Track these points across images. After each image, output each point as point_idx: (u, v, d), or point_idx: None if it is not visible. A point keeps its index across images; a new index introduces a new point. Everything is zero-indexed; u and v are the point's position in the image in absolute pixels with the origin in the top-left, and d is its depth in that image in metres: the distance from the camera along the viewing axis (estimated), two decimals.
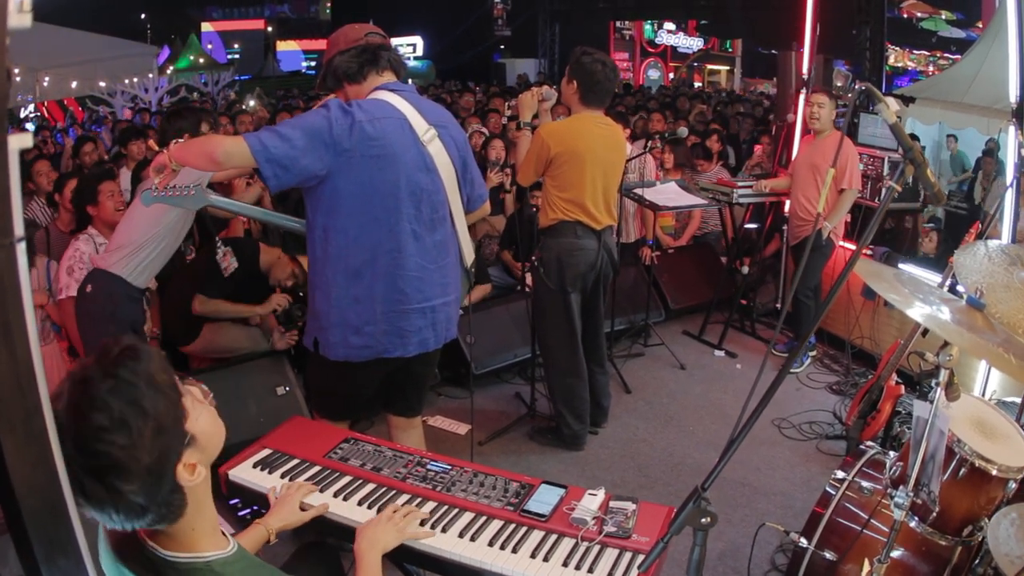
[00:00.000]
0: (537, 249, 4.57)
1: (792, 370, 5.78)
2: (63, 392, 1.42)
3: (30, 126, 17.28)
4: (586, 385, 4.69)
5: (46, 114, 20.04)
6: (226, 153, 2.76)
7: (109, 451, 1.38)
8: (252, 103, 16.65)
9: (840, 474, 3.11)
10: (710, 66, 29.23)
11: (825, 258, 5.81)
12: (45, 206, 5.95)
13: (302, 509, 2.30)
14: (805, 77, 6.97)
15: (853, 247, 5.79)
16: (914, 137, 7.54)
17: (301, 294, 4.70)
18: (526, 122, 4.49)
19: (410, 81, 3.20)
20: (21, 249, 1.32)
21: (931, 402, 2.38)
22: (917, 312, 2.28)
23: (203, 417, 1.56)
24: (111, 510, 1.43)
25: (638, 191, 5.99)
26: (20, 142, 1.28)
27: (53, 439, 1.36)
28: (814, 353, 6.17)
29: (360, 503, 2.38)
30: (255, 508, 3.64)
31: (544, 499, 2.39)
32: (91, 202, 4.41)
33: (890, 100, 1.92)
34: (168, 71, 26.78)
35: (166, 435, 1.45)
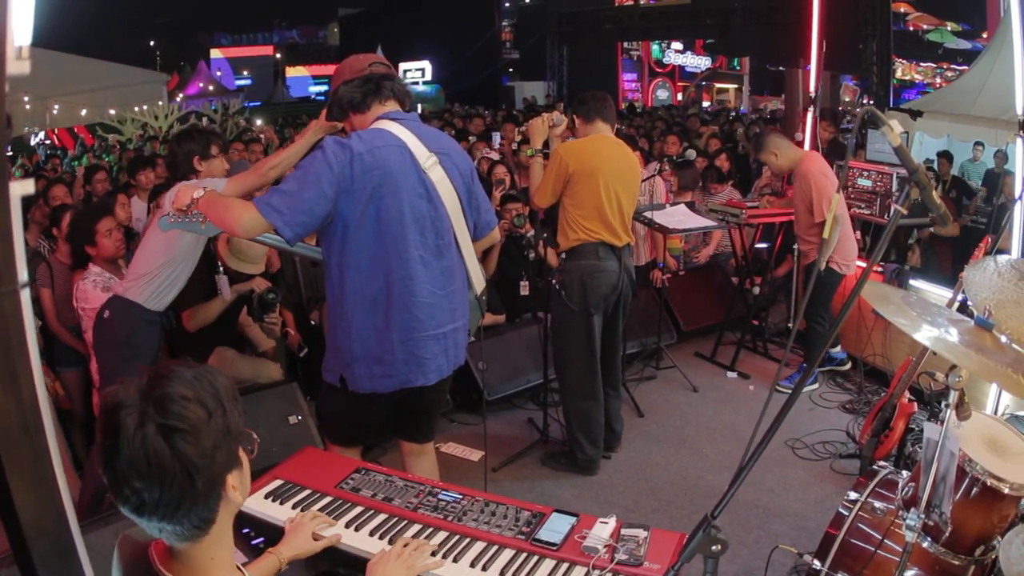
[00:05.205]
0: (557, 272, 4.61)
1: (805, 388, 5.75)
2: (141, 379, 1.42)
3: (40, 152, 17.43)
4: (602, 409, 4.69)
5: (56, 142, 20.16)
6: (245, 229, 2.86)
7: (186, 414, 1.39)
8: (259, 123, 16.81)
9: (853, 495, 3.10)
10: (718, 84, 29.29)
11: (830, 288, 5.70)
12: (41, 238, 5.83)
13: (315, 539, 2.32)
14: (812, 95, 6.97)
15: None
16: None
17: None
18: (537, 149, 4.53)
19: (419, 107, 3.23)
20: (25, 295, 1.34)
21: (941, 423, 2.37)
22: (924, 336, 2.28)
23: (244, 458, 1.59)
24: (156, 488, 1.38)
25: (648, 214, 6.00)
26: (22, 189, 1.30)
27: (61, 482, 1.37)
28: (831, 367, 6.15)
29: (371, 534, 2.39)
30: (265, 539, 3.65)
31: (555, 527, 2.39)
32: (88, 242, 4.38)
33: (893, 122, 1.92)
34: (178, 98, 26.98)
35: (231, 440, 1.49)
